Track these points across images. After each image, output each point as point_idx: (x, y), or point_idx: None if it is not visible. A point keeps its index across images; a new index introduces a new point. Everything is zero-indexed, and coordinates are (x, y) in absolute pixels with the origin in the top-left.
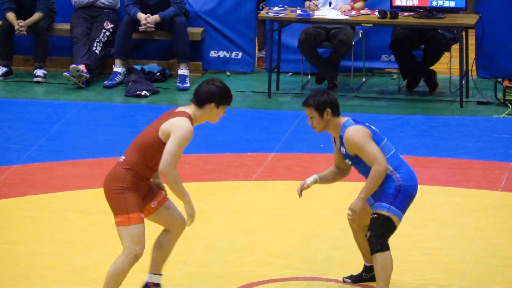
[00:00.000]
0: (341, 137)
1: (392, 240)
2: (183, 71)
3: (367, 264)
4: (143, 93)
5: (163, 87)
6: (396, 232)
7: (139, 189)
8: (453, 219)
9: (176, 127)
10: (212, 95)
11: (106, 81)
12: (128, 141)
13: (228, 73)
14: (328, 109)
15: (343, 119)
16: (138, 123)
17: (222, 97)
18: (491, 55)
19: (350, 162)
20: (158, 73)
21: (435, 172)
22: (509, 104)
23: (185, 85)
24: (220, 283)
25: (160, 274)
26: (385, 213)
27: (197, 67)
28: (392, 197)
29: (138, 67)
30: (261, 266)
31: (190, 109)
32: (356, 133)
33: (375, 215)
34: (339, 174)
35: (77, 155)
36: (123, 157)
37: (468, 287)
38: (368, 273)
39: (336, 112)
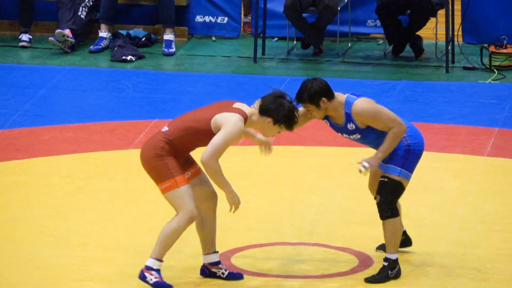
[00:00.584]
0: (347, 114)
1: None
2: (168, 36)
3: None
4: (128, 58)
5: (149, 52)
6: None
7: (177, 155)
8: (438, 184)
9: (229, 123)
10: (273, 111)
11: (92, 46)
12: (114, 106)
13: (213, 38)
14: (323, 98)
15: (342, 97)
16: (123, 88)
17: (283, 117)
18: (477, 20)
19: (358, 136)
20: (143, 38)
21: None
22: (495, 70)
23: (170, 50)
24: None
25: (216, 252)
26: (396, 177)
27: (183, 32)
28: (402, 159)
29: (123, 32)
30: (247, 231)
31: (250, 111)
32: (366, 103)
33: (385, 179)
34: None
35: (62, 120)
36: (166, 128)
37: (453, 252)
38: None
39: (331, 96)
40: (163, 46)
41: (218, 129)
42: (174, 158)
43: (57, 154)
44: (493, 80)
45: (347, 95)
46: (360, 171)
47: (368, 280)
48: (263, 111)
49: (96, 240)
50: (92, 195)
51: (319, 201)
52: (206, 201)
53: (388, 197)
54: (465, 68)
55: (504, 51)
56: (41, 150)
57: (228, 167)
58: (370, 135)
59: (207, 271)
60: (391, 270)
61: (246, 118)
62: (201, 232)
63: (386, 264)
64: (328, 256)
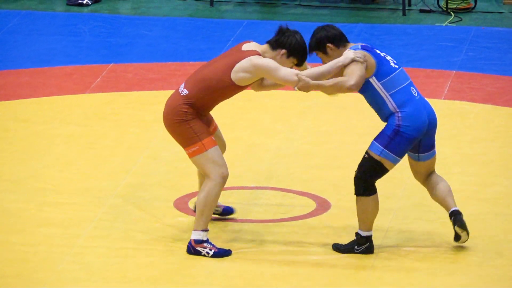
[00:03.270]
0: None
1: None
2: None
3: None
4: (85, 1)
5: None
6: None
7: (201, 119)
8: None
9: (257, 63)
10: (289, 44)
11: None
12: (71, 50)
13: None
14: (329, 44)
15: (350, 46)
16: (80, 32)
17: (296, 49)
18: None
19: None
20: None
21: None
22: (451, 12)
23: None
24: (163, 192)
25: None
26: (376, 156)
27: None
28: (388, 138)
29: None
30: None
31: (261, 49)
32: (345, 54)
33: (366, 155)
34: None
35: (19, 65)
36: (185, 91)
37: (410, 195)
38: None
39: (340, 43)
40: None
41: (243, 79)
42: (199, 120)
43: (14, 99)
44: (450, 23)
45: (355, 44)
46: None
47: (334, 247)
48: (277, 43)
49: (53, 185)
50: (49, 140)
51: (277, 144)
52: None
53: (364, 174)
54: (422, 11)
55: None
56: None
57: None
58: (365, 94)
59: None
60: (357, 245)
61: (260, 55)
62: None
63: (355, 238)
64: (286, 200)
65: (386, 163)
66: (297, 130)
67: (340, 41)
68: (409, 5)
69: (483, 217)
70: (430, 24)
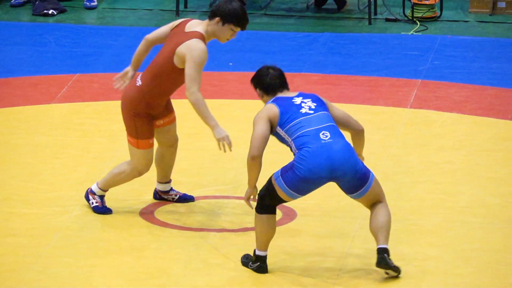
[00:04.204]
0: None
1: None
2: None
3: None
4: (50, 12)
5: (71, 6)
6: None
7: (152, 111)
8: None
9: (190, 50)
10: (221, 11)
11: (13, 0)
12: (36, 60)
13: None
14: (257, 90)
15: (271, 99)
16: (45, 42)
17: (230, 14)
18: None
19: None
20: None
21: (344, 90)
22: (417, 21)
23: (92, 3)
24: (129, 202)
25: (169, 182)
26: (273, 180)
27: None
28: (286, 169)
29: None
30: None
31: (203, 25)
32: (257, 114)
33: (270, 176)
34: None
35: None
36: (139, 82)
37: None
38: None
39: (267, 92)
40: None
41: (183, 62)
42: (147, 118)
43: None
44: (416, 32)
45: (273, 97)
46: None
47: (242, 257)
48: (212, 13)
49: (19, 195)
50: (14, 150)
51: (242, 154)
52: (170, 146)
53: (261, 191)
54: (387, 20)
55: (426, 2)
56: None
57: None
58: (279, 140)
59: (158, 196)
60: (252, 262)
61: (203, 36)
62: (159, 165)
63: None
64: (252, 210)
65: (279, 191)
66: None
67: (268, 90)
68: (375, 14)
69: (449, 225)
70: (396, 33)
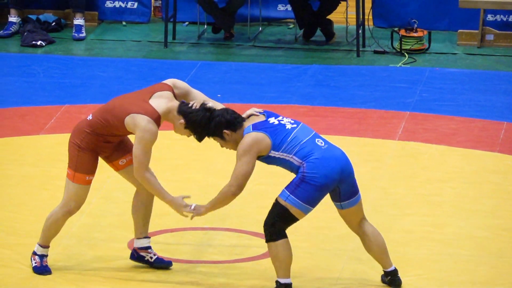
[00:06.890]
0: None
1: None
2: (78, 21)
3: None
4: (38, 43)
5: (59, 37)
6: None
7: (99, 150)
8: None
9: (140, 130)
10: (189, 118)
11: (1, 31)
12: (25, 91)
13: (124, 23)
14: (225, 131)
15: (246, 126)
16: (34, 73)
17: (193, 125)
18: (387, 4)
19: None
20: (53, 23)
21: (332, 122)
22: (405, 53)
23: (80, 35)
24: (116, 233)
25: (147, 237)
26: (282, 202)
27: (93, 17)
28: (294, 185)
29: (33, 16)
30: (158, 216)
31: (167, 104)
32: (242, 143)
33: (275, 201)
34: None
35: None
36: (90, 117)
37: None
38: (387, 277)
39: (236, 127)
40: (73, 31)
41: (130, 130)
42: (91, 153)
43: None
44: (404, 64)
45: (249, 124)
46: (187, 211)
47: None
48: (180, 111)
49: (5, 226)
50: (2, 181)
51: None
52: (143, 189)
53: (270, 220)
54: (375, 52)
55: (415, 34)
56: None
57: None
58: (273, 164)
59: (135, 255)
60: None
61: (158, 117)
62: (134, 217)
63: (275, 286)
64: (241, 241)
65: (293, 209)
66: None
67: (234, 125)
68: (363, 46)
69: (436, 257)
70: (384, 65)
